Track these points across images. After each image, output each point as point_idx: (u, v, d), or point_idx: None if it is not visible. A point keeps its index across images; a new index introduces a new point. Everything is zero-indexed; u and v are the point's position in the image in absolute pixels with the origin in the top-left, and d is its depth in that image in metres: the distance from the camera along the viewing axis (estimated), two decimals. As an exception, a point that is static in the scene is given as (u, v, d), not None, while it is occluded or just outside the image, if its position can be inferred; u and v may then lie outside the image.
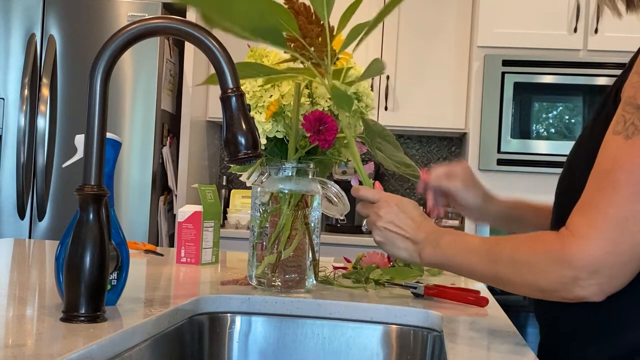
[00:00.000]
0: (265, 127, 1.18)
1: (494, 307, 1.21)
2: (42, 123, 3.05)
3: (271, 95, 1.18)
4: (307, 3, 1.10)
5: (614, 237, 0.78)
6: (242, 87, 0.99)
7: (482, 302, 1.20)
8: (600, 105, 0.94)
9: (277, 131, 1.20)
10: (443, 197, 1.21)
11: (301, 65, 1.15)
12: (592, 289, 0.80)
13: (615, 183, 0.79)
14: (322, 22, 1.09)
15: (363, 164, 1.33)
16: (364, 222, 1.05)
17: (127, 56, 3.01)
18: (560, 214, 0.94)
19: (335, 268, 1.47)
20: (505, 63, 3.05)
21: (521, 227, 1.19)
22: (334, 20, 1.10)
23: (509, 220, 1.20)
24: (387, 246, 1.02)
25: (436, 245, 0.97)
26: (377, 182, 1.13)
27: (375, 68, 1.09)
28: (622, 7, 0.96)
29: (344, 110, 1.12)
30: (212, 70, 0.94)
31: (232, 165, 1.22)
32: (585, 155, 0.90)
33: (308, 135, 1.15)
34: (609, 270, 0.79)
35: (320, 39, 1.09)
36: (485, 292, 1.29)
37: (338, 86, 1.11)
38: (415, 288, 1.25)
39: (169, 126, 3.27)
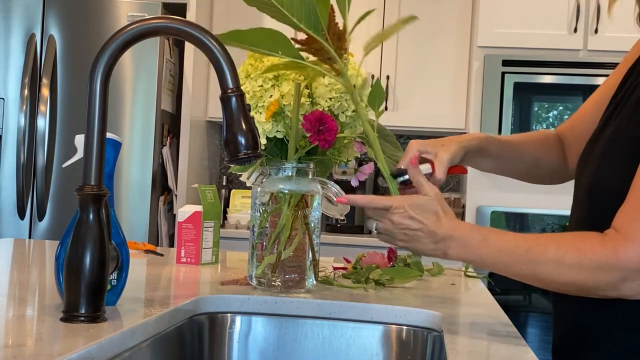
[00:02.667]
0: (265, 127, 1.18)
1: (494, 307, 1.21)
2: (42, 123, 3.05)
3: (271, 95, 1.18)
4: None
5: None
6: (242, 87, 0.99)
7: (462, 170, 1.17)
8: (618, 106, 0.94)
9: (277, 131, 1.20)
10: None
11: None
12: (638, 289, 0.83)
13: None
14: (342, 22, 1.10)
15: (363, 164, 1.34)
16: (374, 226, 1.01)
17: (127, 56, 3.01)
18: (594, 208, 0.94)
19: (335, 268, 1.47)
20: (505, 63, 3.05)
21: (484, 162, 1.17)
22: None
23: (478, 159, 1.16)
24: (412, 249, 1.00)
25: (465, 245, 0.95)
26: (430, 163, 1.08)
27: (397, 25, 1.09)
28: None
29: (374, 109, 1.11)
30: (212, 71, 0.94)
31: (232, 165, 1.22)
32: (625, 145, 0.90)
33: (308, 135, 1.15)
34: None
35: (338, 38, 1.09)
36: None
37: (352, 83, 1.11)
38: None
39: (169, 126, 3.27)
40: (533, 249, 0.89)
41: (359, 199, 1.05)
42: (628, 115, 0.94)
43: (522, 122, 3.07)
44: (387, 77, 3.36)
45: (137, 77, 3.06)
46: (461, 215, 3.25)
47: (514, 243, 0.92)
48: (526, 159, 1.21)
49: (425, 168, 1.10)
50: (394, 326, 1.13)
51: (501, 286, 2.83)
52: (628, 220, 0.83)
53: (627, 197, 0.85)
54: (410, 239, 0.98)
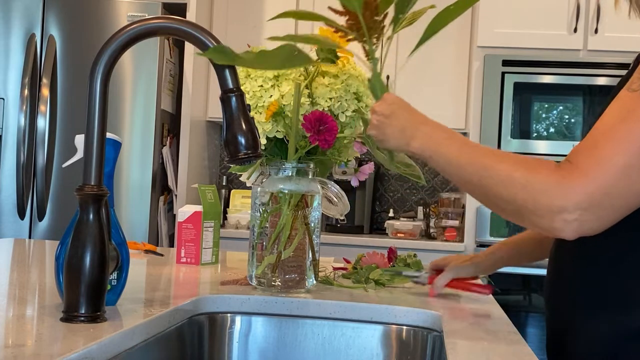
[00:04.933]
0: (265, 127, 1.18)
1: (494, 307, 1.21)
2: (42, 123, 3.05)
3: (271, 96, 1.18)
4: None
5: (615, 181, 0.80)
6: (242, 87, 0.99)
7: (486, 290, 1.25)
8: (611, 97, 0.95)
9: (277, 131, 1.20)
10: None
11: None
12: (572, 225, 0.83)
13: (628, 133, 0.81)
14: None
15: (363, 164, 1.34)
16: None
17: (127, 56, 3.01)
18: None
19: (335, 269, 1.47)
20: (505, 63, 3.05)
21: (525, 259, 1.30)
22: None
23: (515, 259, 1.30)
24: (379, 138, 1.03)
25: (430, 137, 0.98)
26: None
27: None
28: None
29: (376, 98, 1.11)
30: (212, 71, 0.94)
31: (232, 165, 1.22)
32: None
33: (308, 135, 1.15)
34: (598, 211, 0.82)
35: (376, 23, 1.08)
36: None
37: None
38: (418, 277, 1.28)
39: (169, 126, 3.27)
40: (489, 156, 0.90)
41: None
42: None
43: (522, 122, 3.07)
44: (387, 77, 3.36)
45: (137, 77, 3.06)
46: (461, 215, 3.25)
47: (474, 146, 0.93)
48: (529, 254, 1.29)
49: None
50: (394, 326, 1.13)
51: (501, 286, 2.84)
52: (582, 156, 0.83)
53: (586, 136, 0.86)
54: (382, 126, 1.02)
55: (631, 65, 0.94)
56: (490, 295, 1.33)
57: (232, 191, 3.44)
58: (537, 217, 0.85)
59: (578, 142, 0.88)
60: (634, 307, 0.91)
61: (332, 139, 1.15)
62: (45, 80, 3.04)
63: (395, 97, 1.03)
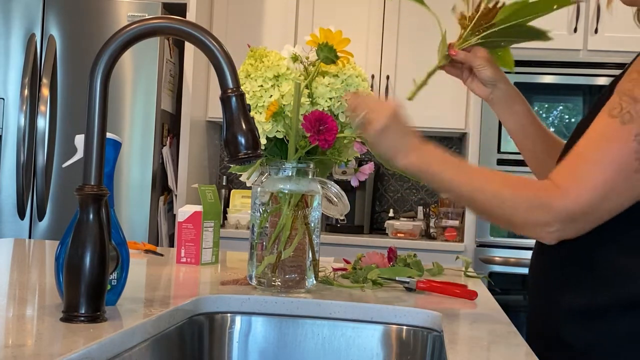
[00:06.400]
0: (265, 127, 1.18)
1: (494, 307, 1.21)
2: (42, 123, 3.05)
3: (271, 95, 1.18)
4: None
5: (594, 200, 0.91)
6: (242, 87, 0.99)
7: (471, 296, 1.25)
8: (598, 100, 0.97)
9: (277, 131, 1.20)
10: (460, 71, 1.27)
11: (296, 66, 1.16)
12: (554, 235, 0.95)
13: (607, 155, 0.91)
14: None
15: (363, 164, 1.34)
16: (362, 115, 1.06)
17: (127, 56, 3.01)
18: None
19: (335, 270, 1.47)
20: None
21: (511, 118, 1.26)
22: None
23: (508, 102, 1.25)
24: (374, 147, 1.07)
25: (428, 155, 1.03)
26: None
27: None
28: None
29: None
30: (212, 71, 0.94)
31: (232, 165, 1.22)
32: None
33: (308, 135, 1.15)
34: (577, 225, 0.94)
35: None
36: (474, 287, 1.30)
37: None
38: (407, 283, 1.30)
39: (169, 126, 3.27)
40: (480, 177, 1.00)
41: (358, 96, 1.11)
42: (590, 118, 1.00)
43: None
44: (387, 77, 3.36)
45: (137, 77, 3.06)
46: (461, 215, 3.25)
47: (465, 167, 1.02)
48: (550, 146, 1.27)
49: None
50: (394, 326, 1.13)
51: (501, 286, 2.84)
52: (564, 176, 0.93)
53: (567, 155, 0.96)
54: (381, 136, 1.05)
55: (626, 66, 0.96)
56: (490, 295, 1.33)
57: (232, 191, 3.44)
58: (524, 229, 0.97)
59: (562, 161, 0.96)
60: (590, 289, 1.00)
61: (332, 139, 1.15)
62: (45, 80, 3.04)
63: (399, 111, 1.06)
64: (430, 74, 1.23)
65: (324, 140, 1.15)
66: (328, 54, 1.20)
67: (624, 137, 0.90)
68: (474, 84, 1.25)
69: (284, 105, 1.18)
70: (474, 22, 1.20)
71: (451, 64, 1.24)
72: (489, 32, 1.21)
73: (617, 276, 0.98)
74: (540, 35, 1.20)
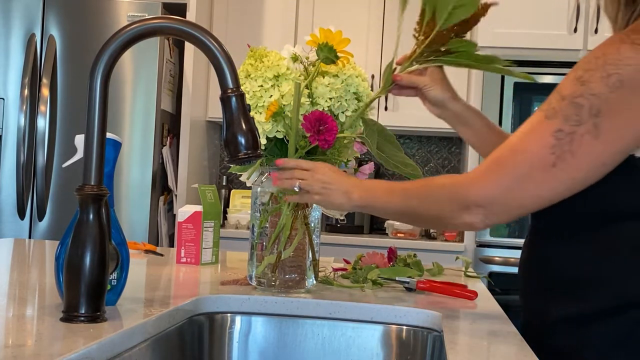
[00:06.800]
0: (265, 127, 1.18)
1: (494, 307, 1.21)
2: (42, 123, 3.05)
3: (271, 95, 1.18)
4: None
5: (509, 186, 0.96)
6: (242, 87, 0.99)
7: (471, 296, 1.25)
8: None
9: (277, 131, 1.20)
10: (412, 89, 1.29)
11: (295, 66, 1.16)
12: (480, 223, 0.99)
13: (524, 146, 0.95)
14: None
15: (363, 164, 1.34)
16: (297, 184, 1.14)
17: (127, 56, 3.01)
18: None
19: (335, 270, 1.47)
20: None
21: (468, 132, 1.31)
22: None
23: (461, 120, 1.29)
24: (325, 201, 1.14)
25: (366, 189, 1.12)
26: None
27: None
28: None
29: None
30: (212, 71, 0.94)
31: (232, 165, 1.22)
32: None
33: (308, 135, 1.15)
34: (493, 208, 0.98)
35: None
36: (474, 287, 1.30)
37: None
38: (407, 283, 1.30)
39: (169, 126, 3.27)
40: (407, 185, 1.09)
41: (289, 160, 1.17)
42: None
43: (522, 122, 3.07)
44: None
45: (137, 77, 3.06)
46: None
47: (401, 185, 1.10)
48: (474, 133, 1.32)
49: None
50: (394, 326, 1.13)
51: (501, 286, 2.84)
52: (482, 163, 1.00)
53: (498, 147, 1.00)
54: (326, 192, 1.13)
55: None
56: (491, 295, 1.33)
57: (232, 191, 3.44)
58: (452, 222, 1.02)
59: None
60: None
61: (332, 139, 1.15)
62: (45, 80, 3.04)
63: (325, 166, 1.14)
64: (372, 100, 1.23)
65: (324, 140, 1.15)
66: (328, 54, 1.20)
67: (544, 131, 0.93)
68: (425, 103, 1.29)
69: (283, 105, 1.18)
70: (426, 43, 1.20)
71: (398, 85, 1.27)
72: (437, 58, 1.22)
73: (597, 282, 0.97)
74: (502, 71, 1.20)
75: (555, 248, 1.02)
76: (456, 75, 3.44)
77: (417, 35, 1.21)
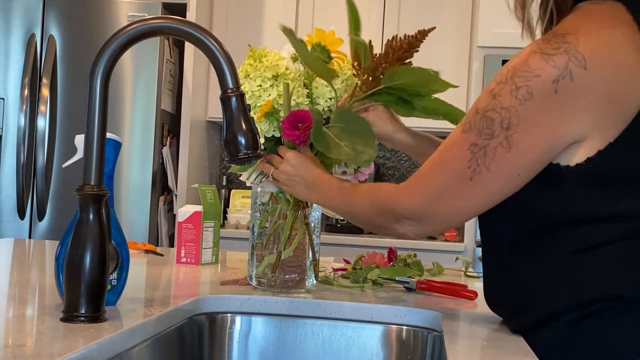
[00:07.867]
0: (262, 127, 1.18)
1: (493, 307, 1.21)
2: (42, 123, 3.05)
3: (269, 95, 1.18)
4: None
5: (430, 201, 0.99)
6: (241, 87, 0.99)
7: (471, 296, 1.26)
8: None
9: (274, 130, 1.20)
10: None
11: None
12: (411, 233, 1.04)
13: (444, 162, 0.98)
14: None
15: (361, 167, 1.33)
16: (271, 171, 1.19)
17: (127, 56, 3.01)
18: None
19: (335, 270, 1.47)
20: (505, 63, 3.05)
21: (424, 160, 1.30)
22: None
23: (413, 150, 1.32)
24: (291, 192, 1.19)
25: (320, 188, 1.16)
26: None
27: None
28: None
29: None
30: (212, 71, 0.95)
31: (232, 165, 1.22)
32: None
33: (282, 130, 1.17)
34: (421, 221, 1.01)
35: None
36: (473, 287, 1.30)
37: None
38: (407, 283, 1.30)
39: (169, 126, 3.27)
40: (356, 204, 1.12)
41: (280, 148, 1.20)
42: None
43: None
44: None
45: (137, 77, 3.06)
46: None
47: (351, 188, 1.14)
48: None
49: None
50: (394, 326, 1.13)
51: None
52: (409, 180, 1.03)
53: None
54: (291, 184, 1.17)
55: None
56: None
57: (232, 191, 3.44)
58: (385, 228, 1.07)
59: None
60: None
61: (303, 136, 1.15)
62: (45, 80, 3.04)
63: (296, 157, 1.17)
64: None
65: (295, 136, 1.15)
66: (321, 54, 1.20)
67: (461, 145, 0.94)
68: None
69: (280, 104, 1.18)
70: (362, 80, 1.19)
71: None
72: (375, 96, 1.21)
73: (536, 293, 0.96)
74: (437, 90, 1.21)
75: (500, 272, 1.02)
76: (456, 75, 3.45)
77: (356, 72, 1.21)
